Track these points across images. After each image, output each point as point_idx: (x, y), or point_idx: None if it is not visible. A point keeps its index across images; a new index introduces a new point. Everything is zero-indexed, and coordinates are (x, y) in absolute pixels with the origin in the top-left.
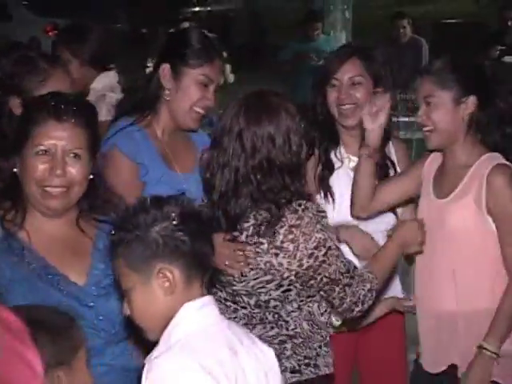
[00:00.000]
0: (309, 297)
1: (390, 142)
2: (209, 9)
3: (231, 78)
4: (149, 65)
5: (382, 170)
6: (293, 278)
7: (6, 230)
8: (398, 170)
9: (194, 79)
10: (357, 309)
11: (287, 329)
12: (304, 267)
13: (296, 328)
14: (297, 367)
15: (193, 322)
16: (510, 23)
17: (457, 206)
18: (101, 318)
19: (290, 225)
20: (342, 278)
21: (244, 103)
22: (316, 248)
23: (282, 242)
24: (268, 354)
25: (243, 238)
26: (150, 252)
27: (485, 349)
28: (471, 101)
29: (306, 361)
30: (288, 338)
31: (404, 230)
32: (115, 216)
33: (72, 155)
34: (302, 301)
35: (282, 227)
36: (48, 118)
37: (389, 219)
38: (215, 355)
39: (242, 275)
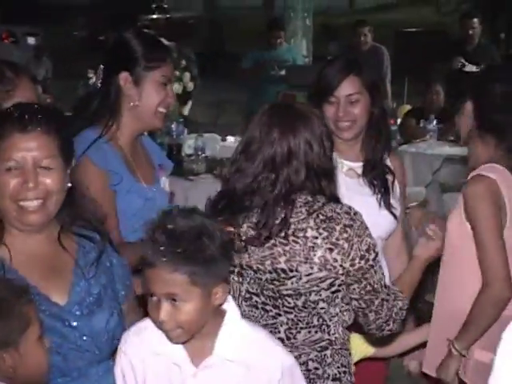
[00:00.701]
0: (347, 304)
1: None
2: (168, 16)
3: (191, 86)
4: (90, 75)
5: (383, 182)
6: (343, 277)
7: None
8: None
9: (154, 81)
10: (387, 327)
11: (329, 333)
12: (356, 267)
13: (335, 333)
14: (337, 375)
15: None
16: (471, 32)
17: (453, 214)
18: (85, 338)
19: (344, 224)
20: (381, 290)
21: (274, 112)
22: (367, 251)
23: (338, 238)
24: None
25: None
26: (220, 272)
27: (453, 347)
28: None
29: (343, 368)
30: (329, 343)
31: (427, 249)
32: (169, 228)
33: (43, 165)
34: (342, 306)
35: (338, 224)
36: (13, 131)
37: (390, 223)
38: None
39: (292, 270)
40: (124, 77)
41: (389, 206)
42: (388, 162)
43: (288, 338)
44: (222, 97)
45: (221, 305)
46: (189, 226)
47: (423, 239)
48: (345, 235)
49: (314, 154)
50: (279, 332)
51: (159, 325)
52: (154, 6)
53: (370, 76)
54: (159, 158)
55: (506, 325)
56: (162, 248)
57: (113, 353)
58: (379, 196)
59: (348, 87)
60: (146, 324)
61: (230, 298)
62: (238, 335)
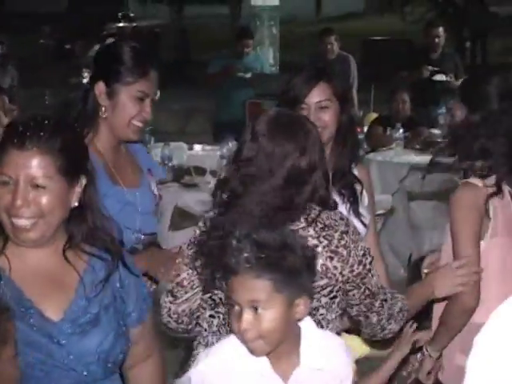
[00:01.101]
0: (341, 309)
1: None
2: (134, 24)
3: (157, 94)
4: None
5: (352, 192)
6: (341, 284)
7: None
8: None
9: (130, 95)
10: (389, 327)
11: None
12: (355, 273)
13: None
14: None
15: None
16: (436, 40)
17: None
18: (71, 357)
19: (341, 231)
20: (379, 291)
21: (267, 120)
22: (363, 256)
23: (337, 246)
24: None
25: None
26: (303, 284)
27: (426, 349)
28: None
29: None
30: None
31: (438, 277)
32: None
33: (38, 184)
34: (337, 311)
35: (336, 231)
36: (11, 146)
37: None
38: None
39: None
40: (99, 87)
41: (358, 215)
42: (355, 172)
43: None
44: (189, 105)
45: (300, 319)
46: (272, 237)
47: (447, 280)
48: (342, 242)
49: (307, 159)
50: None
51: (241, 336)
52: (120, 14)
53: (339, 84)
54: (148, 163)
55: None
56: (245, 255)
57: (108, 375)
58: (348, 205)
59: (318, 94)
60: (223, 344)
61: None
62: (319, 345)
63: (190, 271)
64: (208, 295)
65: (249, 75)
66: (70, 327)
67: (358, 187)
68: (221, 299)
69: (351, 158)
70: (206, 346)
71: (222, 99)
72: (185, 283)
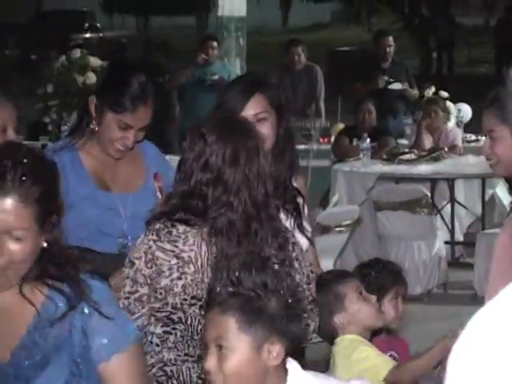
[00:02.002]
0: None
1: None
2: (101, 35)
3: (143, 126)
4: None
5: (295, 205)
6: None
7: None
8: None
9: (114, 121)
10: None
11: None
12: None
13: None
14: None
15: None
16: (388, 50)
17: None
18: None
19: (293, 242)
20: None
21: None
22: (310, 265)
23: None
24: None
25: None
26: (269, 322)
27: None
28: None
29: None
30: None
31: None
32: (227, 269)
33: (14, 235)
34: None
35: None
36: None
37: (305, 247)
38: None
39: None
40: (92, 100)
41: (303, 230)
42: (295, 184)
43: None
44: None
45: (278, 366)
46: (252, 277)
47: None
48: (294, 254)
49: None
50: None
51: (208, 377)
52: (86, 24)
53: (276, 94)
54: (156, 166)
55: None
56: (218, 290)
57: None
58: (292, 220)
59: (254, 106)
60: None
61: (291, 359)
62: None
63: (147, 288)
64: (164, 314)
65: (215, 77)
66: (14, 370)
67: (299, 200)
68: (180, 318)
69: (291, 170)
70: (162, 362)
71: (187, 108)
72: (144, 299)
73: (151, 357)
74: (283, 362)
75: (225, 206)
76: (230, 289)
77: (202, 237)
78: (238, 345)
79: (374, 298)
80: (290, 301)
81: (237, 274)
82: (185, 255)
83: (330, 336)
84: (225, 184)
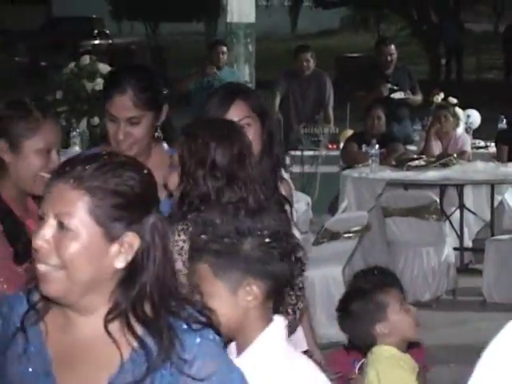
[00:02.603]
0: None
1: None
2: (110, 42)
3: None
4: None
5: (284, 214)
6: None
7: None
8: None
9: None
10: None
11: None
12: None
13: None
14: None
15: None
16: (389, 58)
17: None
18: None
19: None
20: None
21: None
22: None
23: None
24: None
25: None
26: (243, 265)
27: None
28: None
29: None
30: None
31: None
32: (203, 218)
33: (62, 224)
34: None
35: None
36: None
37: None
38: None
39: None
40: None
41: None
42: (282, 190)
43: None
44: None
45: (260, 312)
46: (227, 225)
47: None
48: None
49: None
50: None
51: None
52: (95, 31)
53: (257, 102)
54: None
55: None
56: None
57: None
58: None
59: (236, 113)
60: None
61: (277, 319)
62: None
63: None
64: None
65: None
66: None
67: (287, 208)
68: None
69: (275, 176)
70: None
71: (194, 113)
72: None
73: None
74: (267, 309)
75: (239, 201)
76: (204, 236)
77: None
78: (215, 290)
79: (413, 308)
80: (267, 240)
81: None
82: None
83: (367, 344)
84: (236, 182)
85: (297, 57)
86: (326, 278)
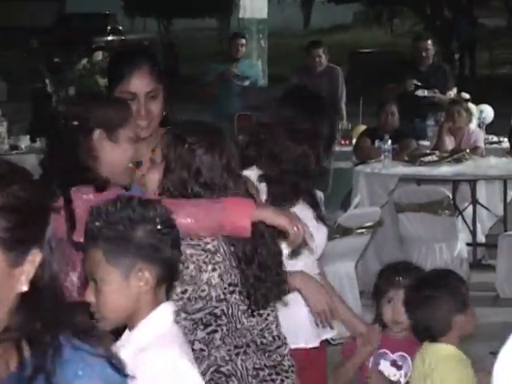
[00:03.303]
0: None
1: None
2: (122, 38)
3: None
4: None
5: None
6: None
7: None
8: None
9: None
10: None
11: None
12: None
13: None
14: None
15: (166, 323)
16: (424, 54)
17: None
18: None
19: None
20: None
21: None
22: None
23: None
24: None
25: None
26: (134, 251)
27: None
28: None
29: None
30: None
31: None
32: (97, 206)
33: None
34: None
35: None
36: None
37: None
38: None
39: None
40: None
41: None
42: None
43: None
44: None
45: (151, 298)
46: (120, 213)
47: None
48: None
49: None
50: None
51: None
52: (108, 27)
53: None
54: None
55: None
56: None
57: None
58: None
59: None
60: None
61: (166, 304)
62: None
63: (192, 286)
64: (207, 311)
65: (247, 83)
66: None
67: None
68: (222, 311)
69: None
70: (215, 364)
71: (218, 112)
72: (191, 297)
73: (201, 363)
74: (159, 294)
75: None
76: (98, 223)
77: None
78: (108, 277)
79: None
80: (159, 227)
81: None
82: (210, 246)
83: (438, 331)
84: (216, 190)
85: (309, 52)
86: (338, 273)
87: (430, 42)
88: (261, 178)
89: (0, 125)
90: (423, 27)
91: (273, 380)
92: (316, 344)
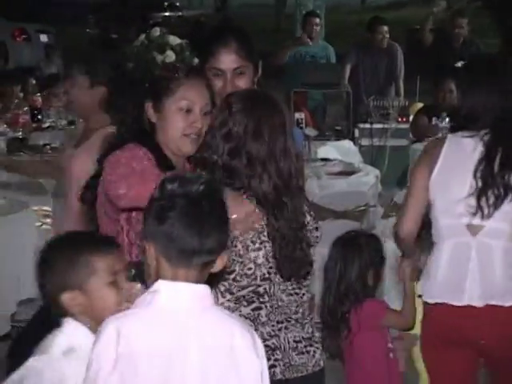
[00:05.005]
0: None
1: None
2: (180, 14)
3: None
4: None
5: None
6: None
7: None
8: None
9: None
10: None
11: None
12: None
13: None
14: None
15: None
16: (457, 30)
17: None
18: None
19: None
20: None
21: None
22: None
23: None
24: None
25: None
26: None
27: None
28: None
29: None
30: None
31: None
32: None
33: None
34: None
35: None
36: None
37: None
38: None
39: None
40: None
41: None
42: None
43: None
44: None
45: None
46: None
47: None
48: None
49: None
50: None
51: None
52: (166, 3)
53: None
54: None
55: None
56: None
57: None
58: None
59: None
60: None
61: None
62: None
63: (238, 265)
64: (251, 289)
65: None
66: None
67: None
68: (265, 289)
69: None
70: (262, 338)
71: (283, 85)
72: (237, 278)
73: None
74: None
75: (253, 178)
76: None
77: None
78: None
79: None
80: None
81: None
82: (257, 225)
83: None
84: (249, 157)
85: (372, 29)
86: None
87: (466, 20)
88: None
89: (58, 100)
90: (480, 4)
91: (307, 352)
92: None
